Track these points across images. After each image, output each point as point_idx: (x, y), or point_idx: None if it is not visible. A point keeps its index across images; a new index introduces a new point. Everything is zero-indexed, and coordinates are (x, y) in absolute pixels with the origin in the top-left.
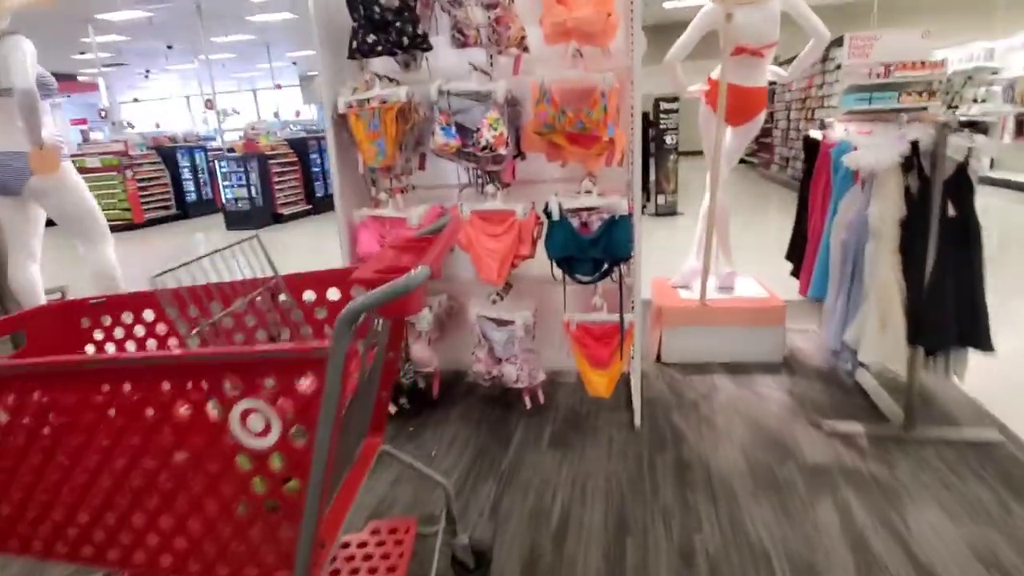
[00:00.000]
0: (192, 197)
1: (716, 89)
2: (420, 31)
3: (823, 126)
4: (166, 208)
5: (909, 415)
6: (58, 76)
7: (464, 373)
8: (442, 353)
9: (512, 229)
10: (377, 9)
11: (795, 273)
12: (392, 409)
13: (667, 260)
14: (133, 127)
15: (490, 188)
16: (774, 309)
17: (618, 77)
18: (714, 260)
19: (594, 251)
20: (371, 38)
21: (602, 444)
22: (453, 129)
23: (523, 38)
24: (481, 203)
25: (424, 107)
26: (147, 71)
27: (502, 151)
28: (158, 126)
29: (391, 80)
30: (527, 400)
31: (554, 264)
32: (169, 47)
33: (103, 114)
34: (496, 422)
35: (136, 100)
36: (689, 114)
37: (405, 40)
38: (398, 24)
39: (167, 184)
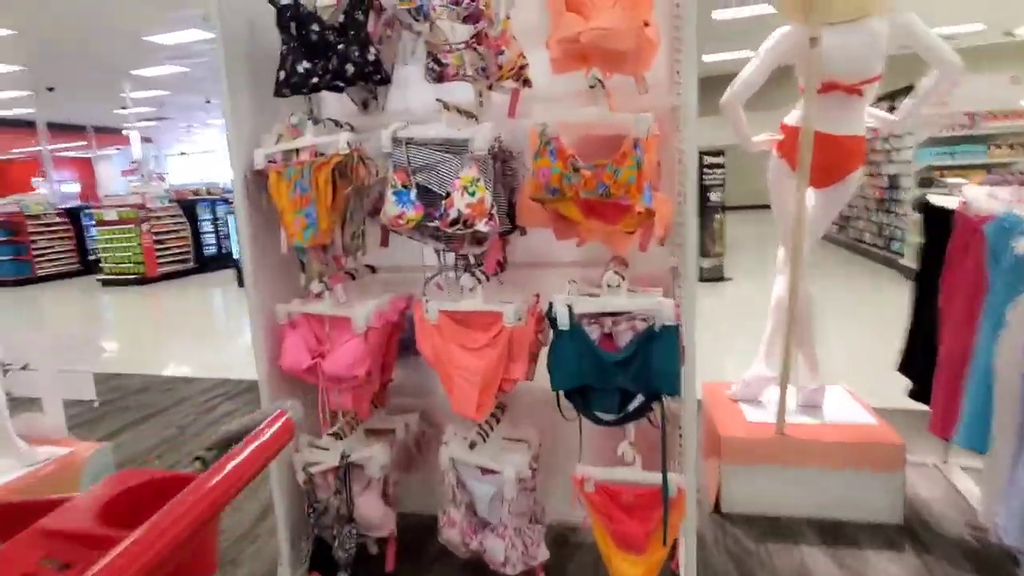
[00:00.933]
0: (212, 251)
1: (794, 139)
2: (371, 56)
3: (885, 177)
4: (183, 262)
5: None
6: (104, 130)
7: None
8: (409, 494)
9: (499, 340)
10: (316, 28)
11: (918, 397)
12: None
13: (716, 344)
14: (164, 179)
15: (466, 280)
16: (889, 448)
17: (659, 120)
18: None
19: (622, 378)
20: (304, 66)
21: None
22: (412, 194)
23: (523, 67)
24: (455, 301)
25: (380, 162)
26: (189, 125)
27: (482, 227)
28: (202, 179)
29: (339, 125)
30: None
31: (561, 395)
32: (208, 101)
33: (135, 167)
34: None
35: (183, 153)
36: (738, 167)
37: (349, 68)
38: (340, 47)
39: (187, 237)
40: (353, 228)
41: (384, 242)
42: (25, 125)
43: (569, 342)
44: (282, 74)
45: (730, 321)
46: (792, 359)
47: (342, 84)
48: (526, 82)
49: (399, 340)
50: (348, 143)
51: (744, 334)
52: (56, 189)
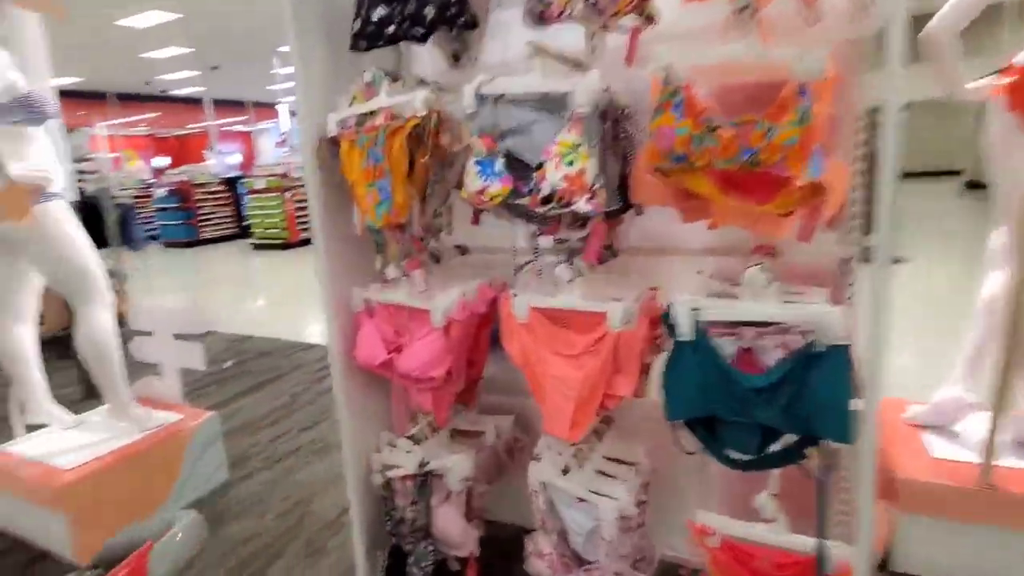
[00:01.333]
0: None
1: None
2: None
3: None
4: None
5: None
6: (261, 105)
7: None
8: (501, 503)
9: (602, 346)
10: None
11: None
12: None
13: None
14: None
15: (563, 271)
16: None
17: (835, 59)
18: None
19: (764, 411)
20: (379, 13)
21: None
22: (499, 163)
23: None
24: (550, 294)
25: (467, 125)
26: None
27: (581, 205)
28: None
29: (423, 83)
30: None
31: (680, 425)
32: None
33: (283, 138)
34: None
35: None
36: (921, 121)
37: (429, 11)
38: None
39: None
40: (435, 204)
41: (475, 219)
42: (196, 102)
43: (692, 357)
44: (357, 24)
45: (906, 314)
46: (1010, 382)
47: (422, 31)
48: (649, 18)
49: (491, 332)
50: (424, 103)
51: (926, 333)
52: (222, 160)
